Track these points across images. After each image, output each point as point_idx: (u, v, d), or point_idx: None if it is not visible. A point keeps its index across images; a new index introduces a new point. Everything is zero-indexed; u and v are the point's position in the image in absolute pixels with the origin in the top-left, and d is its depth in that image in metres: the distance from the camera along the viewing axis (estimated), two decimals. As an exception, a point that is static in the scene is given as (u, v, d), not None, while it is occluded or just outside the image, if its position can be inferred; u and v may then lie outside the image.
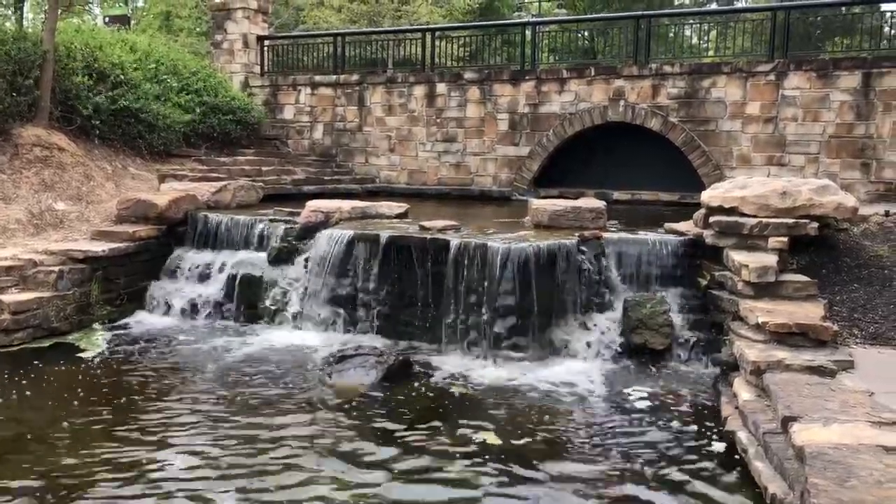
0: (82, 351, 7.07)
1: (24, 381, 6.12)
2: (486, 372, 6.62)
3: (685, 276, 7.45)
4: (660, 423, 5.46)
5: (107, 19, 24.64)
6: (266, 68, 16.20)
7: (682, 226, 7.93)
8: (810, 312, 5.78)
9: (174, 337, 7.61)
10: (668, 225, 8.16)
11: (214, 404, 5.70)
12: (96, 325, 7.88)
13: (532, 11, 29.27)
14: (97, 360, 6.82)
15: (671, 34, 15.09)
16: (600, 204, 8.31)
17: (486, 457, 4.81)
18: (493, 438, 5.10)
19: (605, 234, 7.69)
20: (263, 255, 8.45)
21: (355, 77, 15.21)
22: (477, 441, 5.06)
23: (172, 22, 27.13)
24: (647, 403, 5.86)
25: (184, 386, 6.12)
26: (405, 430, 5.25)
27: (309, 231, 8.30)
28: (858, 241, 7.54)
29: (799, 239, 6.90)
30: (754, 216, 6.87)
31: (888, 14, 13.24)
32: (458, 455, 4.83)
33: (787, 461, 4.02)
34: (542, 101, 13.66)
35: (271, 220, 8.84)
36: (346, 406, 5.69)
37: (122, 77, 11.50)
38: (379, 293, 7.60)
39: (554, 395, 6.06)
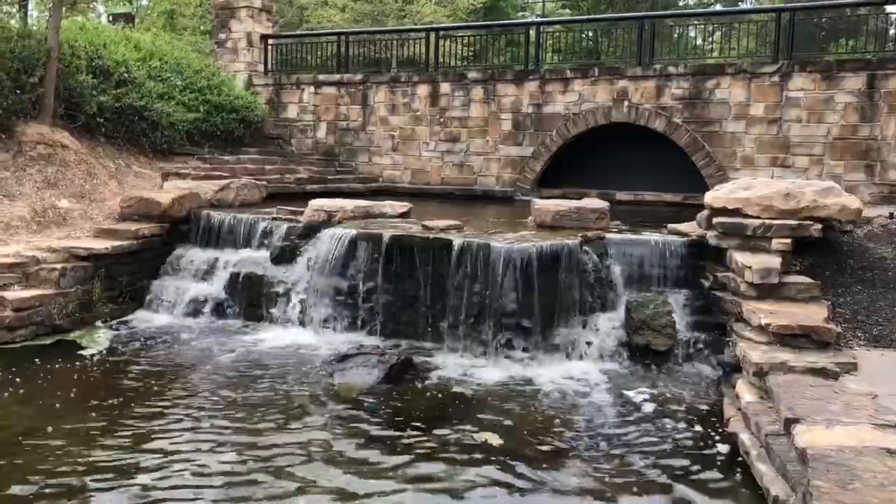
0: (84, 348, 7.07)
1: (23, 379, 6.12)
2: (489, 372, 6.61)
3: (688, 278, 7.42)
4: (662, 424, 5.45)
5: (111, 17, 24.69)
6: (270, 67, 16.20)
7: (686, 227, 7.90)
8: (813, 314, 5.76)
9: (176, 335, 7.61)
10: (671, 226, 8.13)
11: (215, 403, 5.69)
12: (98, 323, 7.88)
13: (536, 11, 29.25)
14: (99, 357, 6.82)
15: (675, 35, 15.04)
16: (603, 204, 8.27)
17: (488, 457, 4.80)
18: (494, 439, 5.09)
19: (608, 235, 7.67)
20: (266, 253, 8.46)
21: (359, 76, 15.20)
22: (478, 441, 5.05)
23: (176, 20, 27.16)
24: (649, 404, 5.85)
25: (185, 384, 6.11)
26: (406, 430, 5.24)
27: (311, 230, 8.29)
28: (862, 243, 7.52)
29: (802, 240, 6.87)
30: (758, 217, 6.85)
31: (893, 16, 13.21)
32: (458, 455, 4.82)
33: (790, 463, 4.01)
34: (545, 101, 13.63)
35: (274, 219, 8.85)
36: (348, 406, 5.69)
37: (125, 75, 11.52)
38: (381, 293, 7.59)
39: (556, 396, 6.05)
